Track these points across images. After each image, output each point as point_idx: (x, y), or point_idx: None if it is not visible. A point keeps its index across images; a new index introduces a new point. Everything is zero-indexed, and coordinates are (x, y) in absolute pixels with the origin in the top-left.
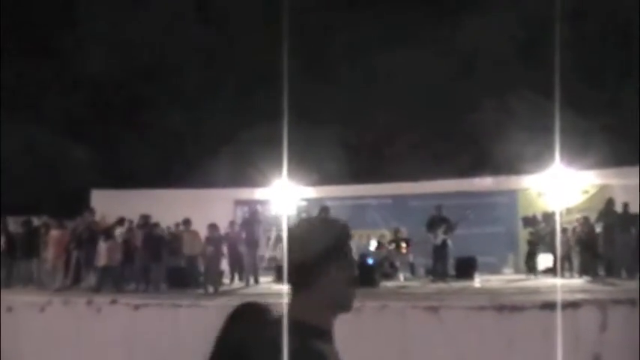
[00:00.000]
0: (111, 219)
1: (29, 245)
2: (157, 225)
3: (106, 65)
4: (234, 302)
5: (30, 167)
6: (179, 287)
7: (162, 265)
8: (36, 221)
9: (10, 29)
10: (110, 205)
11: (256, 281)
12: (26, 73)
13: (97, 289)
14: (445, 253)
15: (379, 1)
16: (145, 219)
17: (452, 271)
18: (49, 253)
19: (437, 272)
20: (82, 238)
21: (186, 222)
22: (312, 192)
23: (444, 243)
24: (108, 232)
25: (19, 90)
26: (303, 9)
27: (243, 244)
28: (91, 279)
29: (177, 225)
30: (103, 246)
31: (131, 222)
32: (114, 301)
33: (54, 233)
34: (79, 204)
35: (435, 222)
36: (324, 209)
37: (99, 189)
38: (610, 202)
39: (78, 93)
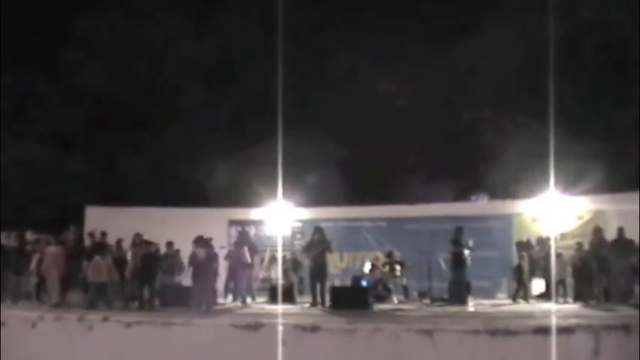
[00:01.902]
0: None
1: (23, 261)
2: (151, 243)
3: (102, 81)
4: (227, 321)
5: (24, 182)
6: (172, 306)
7: (156, 283)
8: (29, 236)
9: (8, 42)
10: (104, 222)
11: (244, 301)
12: (22, 86)
13: (89, 306)
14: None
15: (376, 22)
16: (139, 237)
17: (445, 294)
18: (46, 269)
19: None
20: (74, 254)
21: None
22: (306, 213)
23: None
24: (101, 249)
25: (15, 104)
26: (300, 29)
27: (237, 264)
28: (78, 296)
29: (169, 244)
30: (95, 263)
31: (120, 240)
32: (106, 319)
33: (51, 249)
34: (74, 220)
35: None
36: (318, 229)
37: (93, 206)
38: (598, 231)
39: (74, 109)
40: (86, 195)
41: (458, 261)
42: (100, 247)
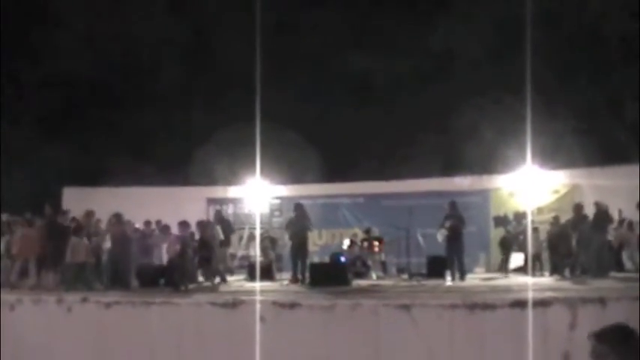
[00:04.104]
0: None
1: None
2: (127, 223)
3: (78, 62)
4: (205, 299)
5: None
6: (149, 285)
7: (132, 263)
8: (4, 219)
9: None
10: (82, 203)
11: (224, 280)
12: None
13: (67, 288)
14: (452, 250)
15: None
16: (117, 217)
17: (423, 269)
18: (17, 252)
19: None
20: (48, 235)
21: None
22: (284, 190)
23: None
24: (77, 230)
25: None
26: (277, 8)
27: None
28: (53, 277)
29: (147, 223)
30: (72, 243)
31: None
32: (85, 300)
33: (22, 231)
34: (51, 202)
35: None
36: (299, 207)
37: (70, 187)
38: (578, 207)
39: (50, 90)
40: (63, 176)
41: (453, 235)
42: (78, 227)
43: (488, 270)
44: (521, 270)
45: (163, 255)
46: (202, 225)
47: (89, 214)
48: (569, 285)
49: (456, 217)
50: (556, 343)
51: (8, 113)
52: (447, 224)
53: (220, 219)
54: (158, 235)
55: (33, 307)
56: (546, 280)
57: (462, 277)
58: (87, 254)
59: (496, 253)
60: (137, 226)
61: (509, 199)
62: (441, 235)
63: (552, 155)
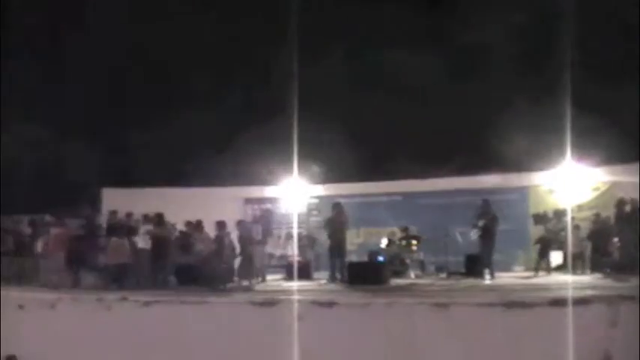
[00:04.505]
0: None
1: (31, 244)
2: (166, 223)
3: (114, 62)
4: (243, 298)
5: (40, 166)
6: (188, 285)
7: (171, 263)
8: (44, 220)
9: (16, 28)
10: (121, 203)
11: (263, 279)
12: (36, 70)
13: (107, 287)
14: (484, 249)
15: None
16: (156, 217)
17: (461, 268)
18: (49, 251)
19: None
20: (86, 235)
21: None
22: (322, 190)
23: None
24: (117, 230)
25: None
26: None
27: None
28: (91, 277)
29: (188, 224)
30: (113, 243)
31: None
32: (124, 298)
33: (54, 231)
34: (90, 203)
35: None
36: (337, 206)
37: (110, 187)
38: (621, 203)
39: (90, 91)
40: (103, 177)
41: (486, 234)
42: (119, 227)
43: (527, 268)
44: (562, 268)
45: (202, 254)
46: (241, 224)
47: (129, 214)
48: (610, 283)
49: (488, 216)
50: (596, 342)
51: (49, 116)
52: (480, 223)
53: (258, 218)
54: (196, 234)
55: (73, 305)
56: (587, 278)
57: (491, 276)
58: (127, 254)
59: (535, 252)
60: (176, 226)
61: (548, 197)
62: (474, 234)
63: (591, 152)
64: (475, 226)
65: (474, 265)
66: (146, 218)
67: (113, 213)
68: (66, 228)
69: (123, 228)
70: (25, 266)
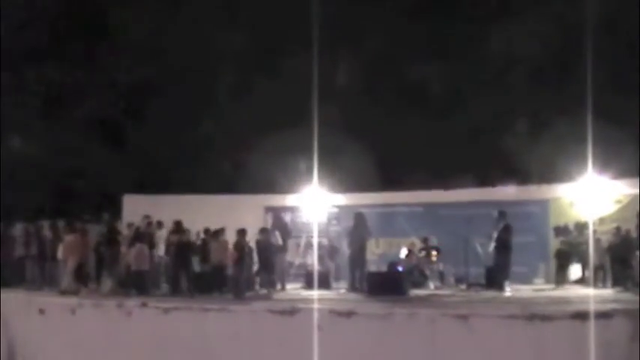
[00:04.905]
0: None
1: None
2: (187, 231)
3: (138, 71)
4: (262, 307)
5: (62, 172)
6: (208, 292)
7: (191, 270)
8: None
9: (45, 34)
10: (142, 210)
11: (283, 287)
12: (60, 76)
13: (127, 293)
14: (499, 261)
15: (411, 9)
16: (177, 225)
17: (481, 280)
18: (63, 257)
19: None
20: (106, 241)
21: (219, 232)
22: (342, 199)
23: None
24: (140, 237)
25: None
26: (333, 14)
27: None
28: (108, 283)
29: (206, 232)
30: (133, 250)
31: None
32: (144, 305)
33: (67, 237)
34: (112, 209)
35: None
36: (359, 215)
37: (131, 194)
38: None
39: (110, 97)
40: (124, 184)
41: (502, 245)
42: (141, 234)
43: (548, 281)
44: (582, 281)
45: (222, 262)
46: (262, 232)
47: (150, 222)
48: (632, 297)
49: (503, 227)
50: (617, 356)
51: (70, 121)
52: (495, 234)
53: (279, 225)
54: (217, 242)
55: (93, 310)
56: (608, 291)
57: (502, 288)
58: (148, 261)
59: (555, 265)
60: (196, 233)
61: (569, 209)
62: (489, 246)
63: (613, 164)
64: (490, 237)
65: (494, 277)
66: (160, 225)
67: (145, 217)
68: (79, 234)
69: (144, 235)
70: (44, 271)
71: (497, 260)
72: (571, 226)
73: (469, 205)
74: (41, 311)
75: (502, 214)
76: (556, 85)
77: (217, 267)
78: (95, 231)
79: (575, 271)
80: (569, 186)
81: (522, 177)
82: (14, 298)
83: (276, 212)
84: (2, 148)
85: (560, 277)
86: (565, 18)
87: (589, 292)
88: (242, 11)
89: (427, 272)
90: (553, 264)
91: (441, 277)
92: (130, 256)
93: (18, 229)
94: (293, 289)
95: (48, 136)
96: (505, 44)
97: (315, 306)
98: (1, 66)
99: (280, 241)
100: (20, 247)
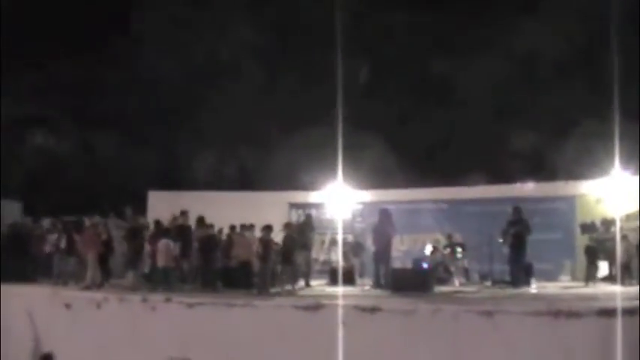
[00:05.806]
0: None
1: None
2: (211, 227)
3: (162, 68)
4: (287, 302)
5: (87, 169)
6: (232, 288)
7: (216, 266)
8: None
9: (68, 32)
10: (166, 206)
11: (308, 283)
12: (84, 75)
13: (153, 288)
14: (515, 258)
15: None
16: (201, 220)
17: (506, 276)
18: (80, 253)
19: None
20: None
21: (249, 226)
22: (367, 195)
23: (514, 246)
24: (165, 232)
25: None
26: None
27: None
28: (132, 278)
29: (232, 227)
30: (160, 245)
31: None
32: (168, 300)
33: (88, 232)
34: (136, 205)
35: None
36: (384, 212)
37: (155, 190)
38: None
39: (135, 95)
40: (148, 180)
41: (517, 242)
42: (167, 230)
43: (574, 278)
44: (608, 279)
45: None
46: (287, 227)
47: (175, 217)
48: None
49: (520, 224)
50: None
51: (95, 118)
52: (512, 231)
53: (304, 222)
54: (242, 238)
55: (118, 305)
56: (635, 288)
57: (515, 285)
58: (173, 257)
59: (582, 261)
60: (222, 229)
61: (595, 206)
62: (502, 242)
63: None
64: (505, 233)
65: (516, 274)
66: (175, 219)
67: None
68: (98, 229)
69: (170, 231)
70: (68, 266)
71: (512, 256)
72: (597, 223)
73: (494, 201)
74: (67, 306)
75: (517, 210)
76: (583, 82)
77: (243, 263)
78: (119, 226)
79: (602, 268)
80: (595, 183)
81: (549, 174)
82: (41, 293)
83: (300, 209)
84: (28, 148)
85: (590, 274)
86: (592, 15)
87: (616, 289)
88: (267, 9)
89: (452, 269)
90: (580, 261)
91: (466, 273)
92: (159, 251)
93: (46, 224)
94: (317, 285)
95: (69, 133)
96: (533, 41)
97: (340, 302)
98: (24, 64)
99: (305, 239)
100: (48, 244)
